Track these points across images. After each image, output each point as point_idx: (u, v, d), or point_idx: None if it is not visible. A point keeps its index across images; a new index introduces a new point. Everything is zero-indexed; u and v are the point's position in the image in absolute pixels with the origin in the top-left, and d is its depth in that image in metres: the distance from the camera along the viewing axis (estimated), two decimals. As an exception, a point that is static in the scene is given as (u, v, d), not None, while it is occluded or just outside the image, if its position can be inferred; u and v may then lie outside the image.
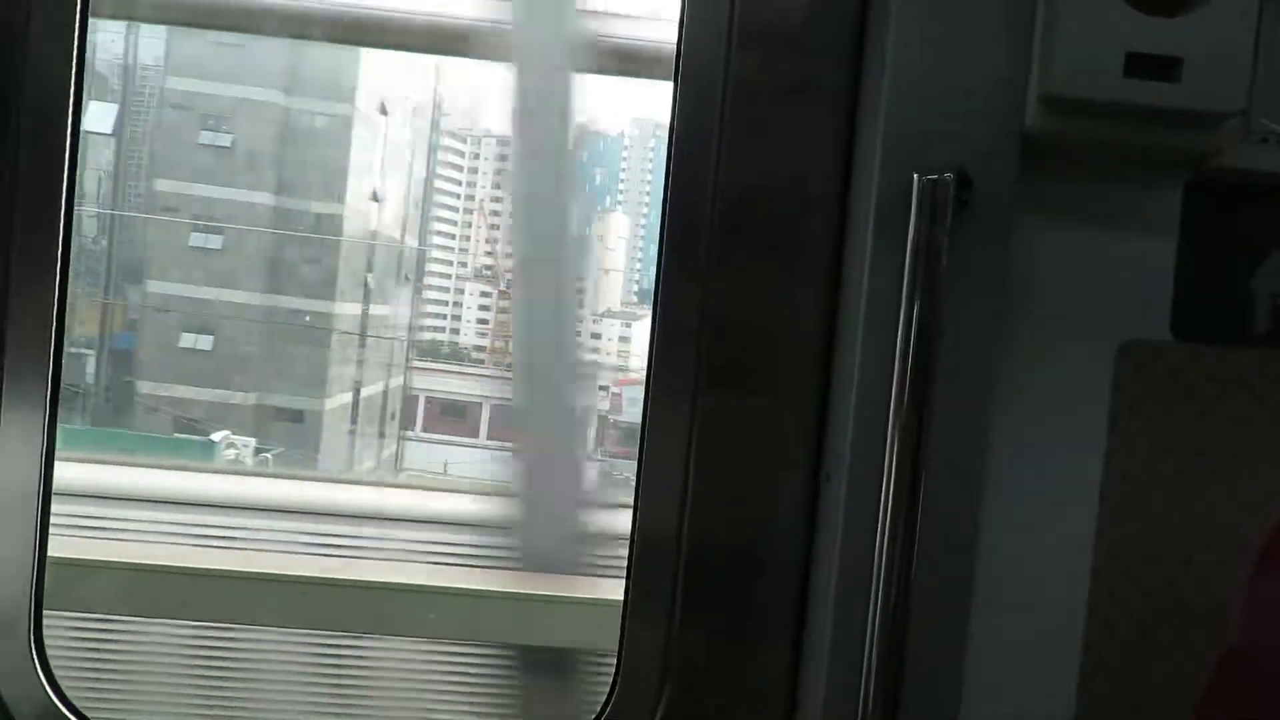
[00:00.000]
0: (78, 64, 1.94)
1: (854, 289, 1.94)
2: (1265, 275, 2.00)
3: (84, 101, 1.96)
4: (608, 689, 2.06)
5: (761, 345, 2.03)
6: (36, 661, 1.97)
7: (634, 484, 2.05)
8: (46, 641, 1.99)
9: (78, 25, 1.93)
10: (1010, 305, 1.91)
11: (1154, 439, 1.96)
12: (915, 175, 1.82)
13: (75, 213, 1.96)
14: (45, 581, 1.99)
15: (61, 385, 1.97)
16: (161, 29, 8.22)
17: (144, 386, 9.41)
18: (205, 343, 9.35)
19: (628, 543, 2.05)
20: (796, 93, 2.01)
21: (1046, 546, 1.96)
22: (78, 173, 1.96)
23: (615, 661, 2.05)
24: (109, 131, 8.89)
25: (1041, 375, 1.94)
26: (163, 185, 9.28)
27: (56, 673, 1.97)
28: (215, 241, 9.31)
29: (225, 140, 9.17)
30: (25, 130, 1.92)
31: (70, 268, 1.97)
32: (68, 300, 1.97)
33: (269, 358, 9.29)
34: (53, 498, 1.95)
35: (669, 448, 2.02)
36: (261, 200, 9.25)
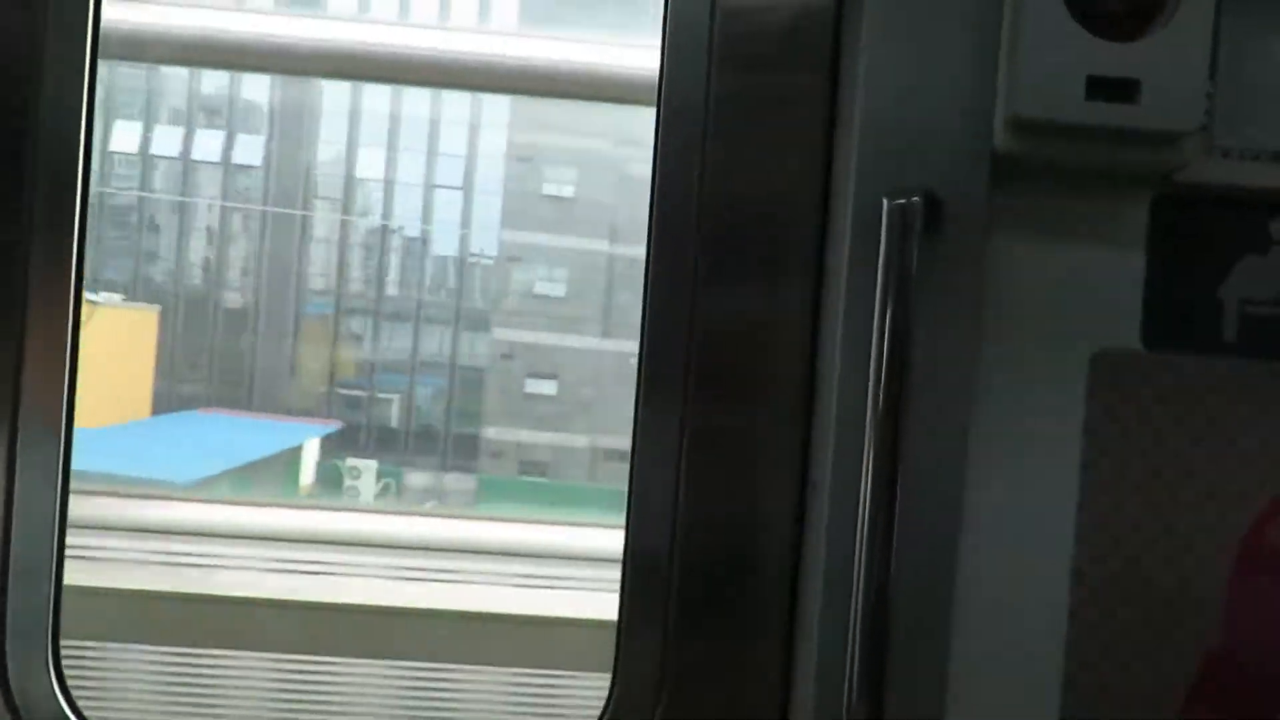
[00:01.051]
0: (88, 105, 2.04)
1: (833, 306, 2.01)
2: (1232, 285, 2.02)
3: (93, 141, 2.05)
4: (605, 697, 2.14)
5: (748, 358, 2.09)
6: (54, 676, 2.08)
7: (626, 494, 2.13)
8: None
9: (88, 68, 2.04)
10: (984, 321, 1.96)
11: (1128, 445, 2.00)
12: (884, 200, 1.87)
13: (86, 261, 2.07)
14: (62, 601, 2.09)
15: (75, 414, 2.06)
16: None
17: (489, 431, 9.92)
18: (549, 387, 9.78)
19: (621, 551, 2.13)
20: (777, 112, 2.08)
21: (1026, 552, 1.99)
22: (88, 212, 2.06)
23: (611, 670, 2.12)
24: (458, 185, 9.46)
25: (1017, 387, 1.99)
26: (509, 235, 9.78)
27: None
28: (559, 289, 9.74)
29: (568, 191, 9.61)
30: (40, 162, 2.02)
31: (83, 305, 2.07)
32: (80, 333, 2.07)
33: (606, 400, 9.61)
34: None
35: (659, 458, 2.09)
36: (598, 248, 9.62)
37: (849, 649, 1.88)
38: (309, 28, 5.00)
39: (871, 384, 1.88)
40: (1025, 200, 1.96)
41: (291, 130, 9.32)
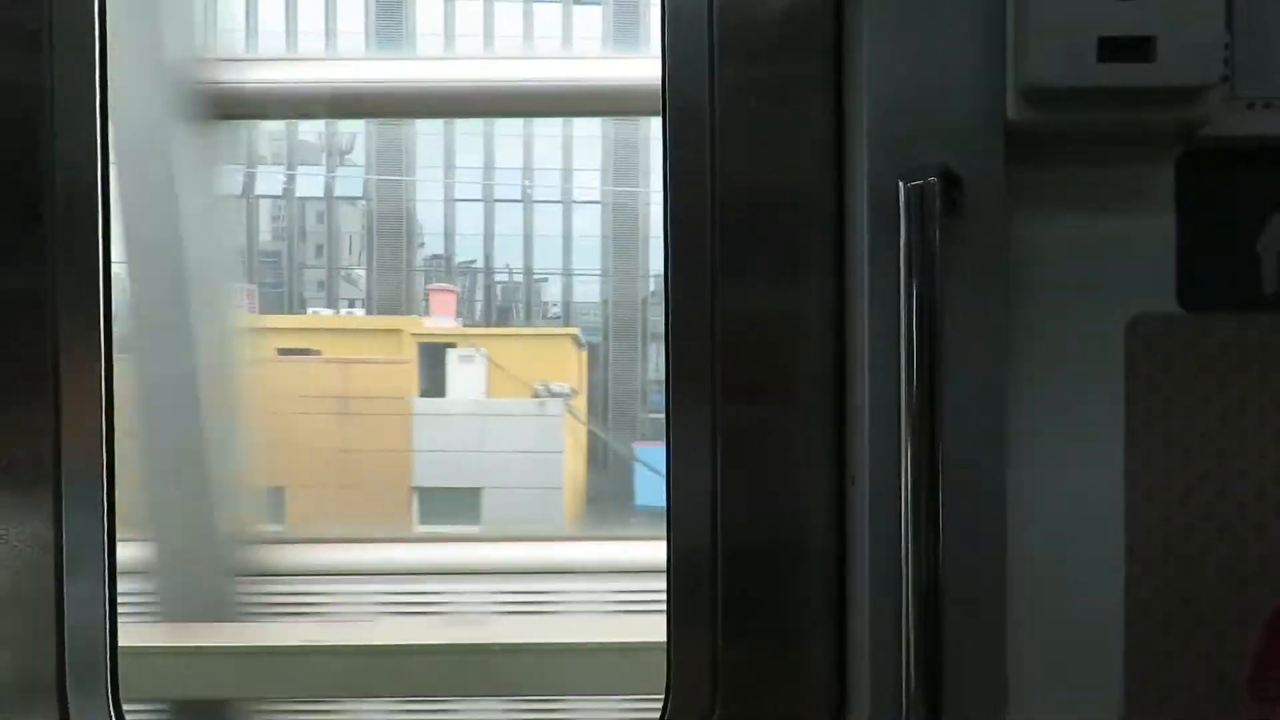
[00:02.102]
0: (102, 151, 2.06)
1: (856, 293, 1.97)
2: (1269, 237, 1.96)
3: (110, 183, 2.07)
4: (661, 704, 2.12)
5: (775, 350, 2.07)
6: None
7: (664, 494, 2.11)
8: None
9: (99, 116, 2.06)
10: (1013, 297, 1.92)
11: (1172, 412, 1.95)
12: (900, 183, 1.84)
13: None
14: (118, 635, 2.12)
15: (115, 449, 2.08)
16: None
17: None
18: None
19: (665, 552, 2.11)
20: (783, 99, 2.05)
21: (1076, 530, 1.95)
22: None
23: (665, 675, 2.10)
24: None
25: (1053, 361, 1.95)
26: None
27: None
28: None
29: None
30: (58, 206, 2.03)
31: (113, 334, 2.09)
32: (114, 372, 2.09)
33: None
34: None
35: (694, 457, 2.07)
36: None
37: (903, 643, 1.85)
38: (401, 70, 5.04)
39: (903, 371, 1.85)
40: (1044, 170, 1.92)
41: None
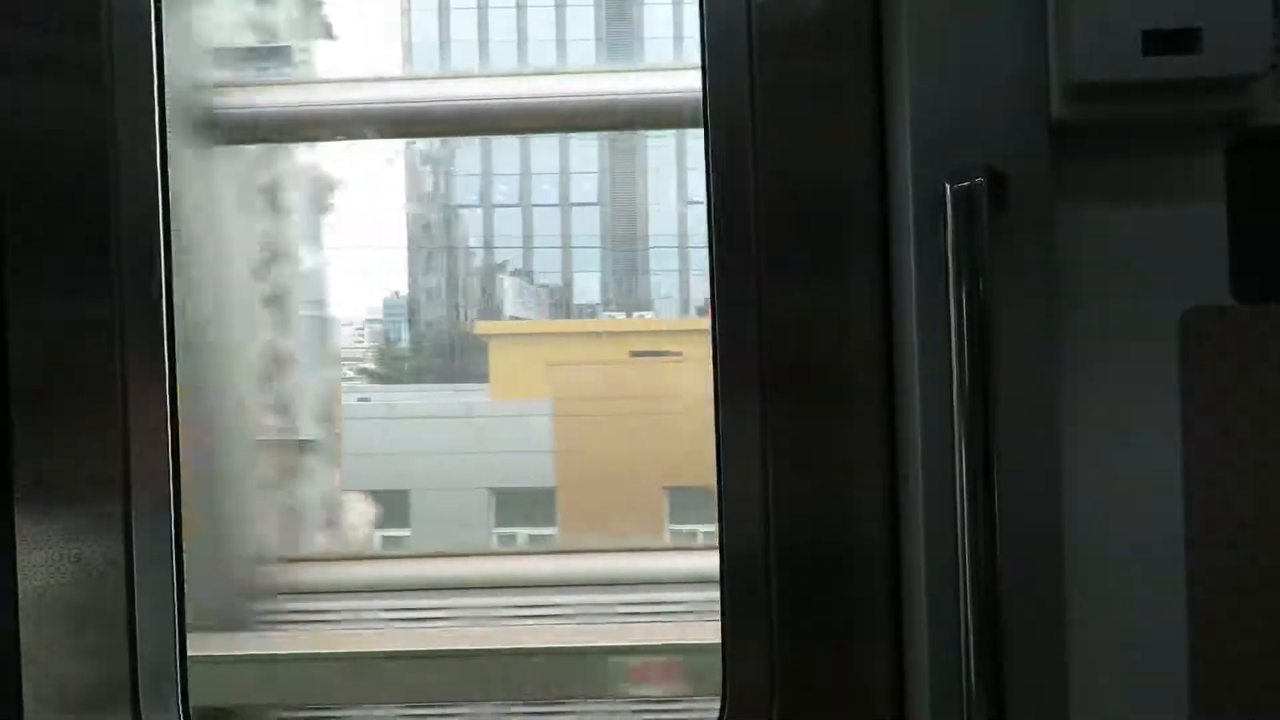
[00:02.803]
0: (163, 186, 2.12)
1: (904, 292, 1.97)
2: None
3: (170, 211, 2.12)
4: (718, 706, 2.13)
5: (822, 350, 2.06)
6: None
7: (716, 495, 2.12)
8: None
9: (159, 151, 2.12)
10: (1063, 294, 1.91)
11: (1229, 405, 1.93)
12: (947, 185, 1.84)
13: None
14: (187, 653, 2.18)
15: (181, 478, 2.14)
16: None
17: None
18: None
19: (718, 554, 2.12)
20: (824, 98, 2.05)
21: (1136, 527, 1.94)
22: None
23: (721, 677, 2.12)
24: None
25: (1106, 358, 1.94)
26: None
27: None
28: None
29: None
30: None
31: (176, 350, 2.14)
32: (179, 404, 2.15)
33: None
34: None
35: (745, 459, 2.07)
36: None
37: (962, 644, 1.84)
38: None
39: (955, 372, 1.84)
40: (1091, 163, 1.91)
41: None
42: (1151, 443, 1.94)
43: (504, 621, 3.41)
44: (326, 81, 4.35)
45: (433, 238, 4.71)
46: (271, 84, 3.47)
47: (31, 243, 2.09)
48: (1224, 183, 1.92)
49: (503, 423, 4.22)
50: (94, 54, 2.08)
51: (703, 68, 2.08)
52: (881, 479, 2.05)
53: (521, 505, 4.26)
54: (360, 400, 4.04)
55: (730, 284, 2.08)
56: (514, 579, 3.55)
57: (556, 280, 5.07)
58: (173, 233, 2.13)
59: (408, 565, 4.00)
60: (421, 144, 4.54)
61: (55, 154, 2.09)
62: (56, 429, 2.10)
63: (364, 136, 3.47)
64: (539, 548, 4.09)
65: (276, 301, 3.47)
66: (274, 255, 3.46)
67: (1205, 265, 1.93)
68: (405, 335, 4.35)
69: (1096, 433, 1.93)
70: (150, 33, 2.11)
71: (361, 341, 4.16)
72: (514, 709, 3.17)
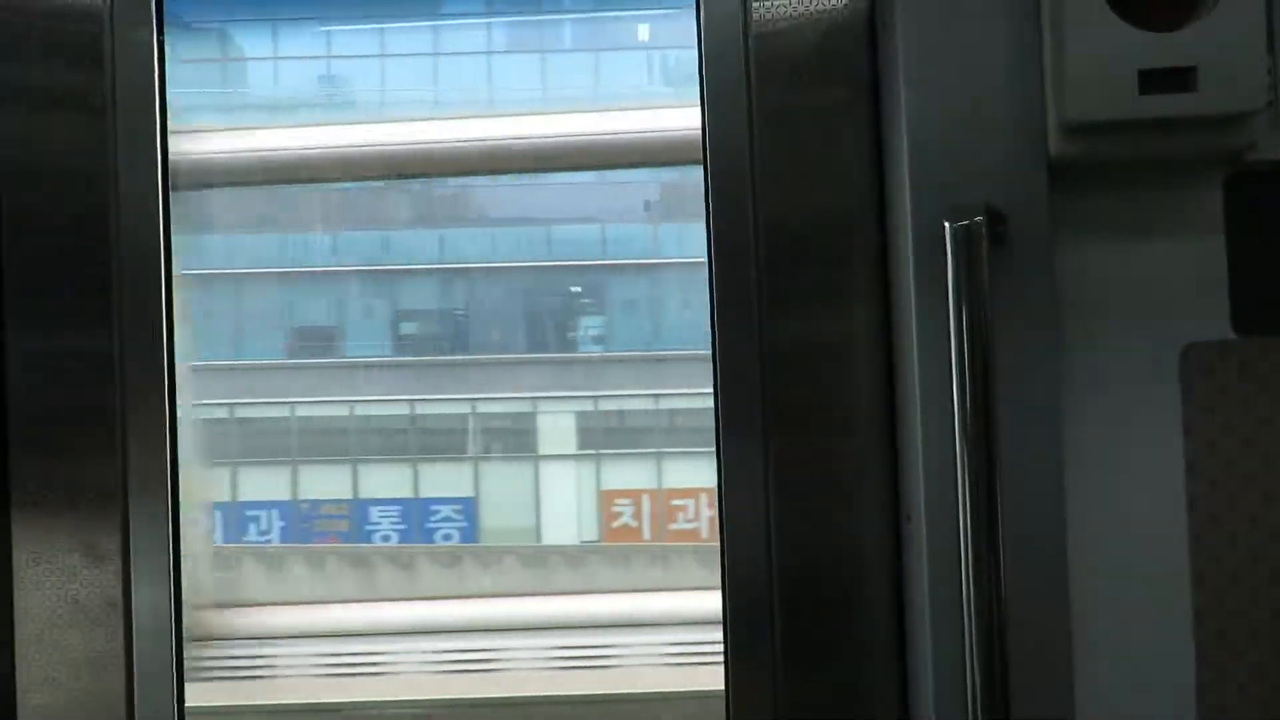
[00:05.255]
0: (164, 219, 2.12)
1: (904, 327, 1.97)
2: None
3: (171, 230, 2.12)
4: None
5: (824, 385, 2.07)
6: None
7: (719, 529, 2.11)
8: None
9: (160, 188, 2.12)
10: (1064, 330, 1.92)
11: (1232, 439, 1.93)
12: (946, 224, 1.84)
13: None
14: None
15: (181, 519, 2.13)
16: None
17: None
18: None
19: (720, 590, 2.11)
20: (823, 132, 2.05)
21: (1141, 561, 1.94)
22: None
23: (724, 706, 2.11)
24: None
25: (1108, 393, 1.94)
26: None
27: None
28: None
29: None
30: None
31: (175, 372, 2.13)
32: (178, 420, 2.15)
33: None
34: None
35: (747, 490, 2.07)
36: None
37: (968, 683, 1.84)
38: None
39: (956, 408, 1.84)
40: (1089, 200, 1.91)
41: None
42: (1155, 476, 1.94)
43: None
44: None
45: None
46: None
47: (32, 272, 2.09)
48: (1223, 217, 1.92)
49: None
50: (97, 87, 2.09)
51: (701, 101, 2.09)
52: (885, 516, 2.04)
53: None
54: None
55: (731, 316, 2.08)
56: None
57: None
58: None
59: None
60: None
61: (57, 185, 2.09)
62: (55, 464, 2.09)
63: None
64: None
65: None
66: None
67: (1205, 299, 1.93)
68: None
69: (1099, 468, 1.93)
70: (153, 66, 2.12)
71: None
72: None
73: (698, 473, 2.72)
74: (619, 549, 3.31)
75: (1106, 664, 1.92)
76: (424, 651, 2.82)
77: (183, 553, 2.14)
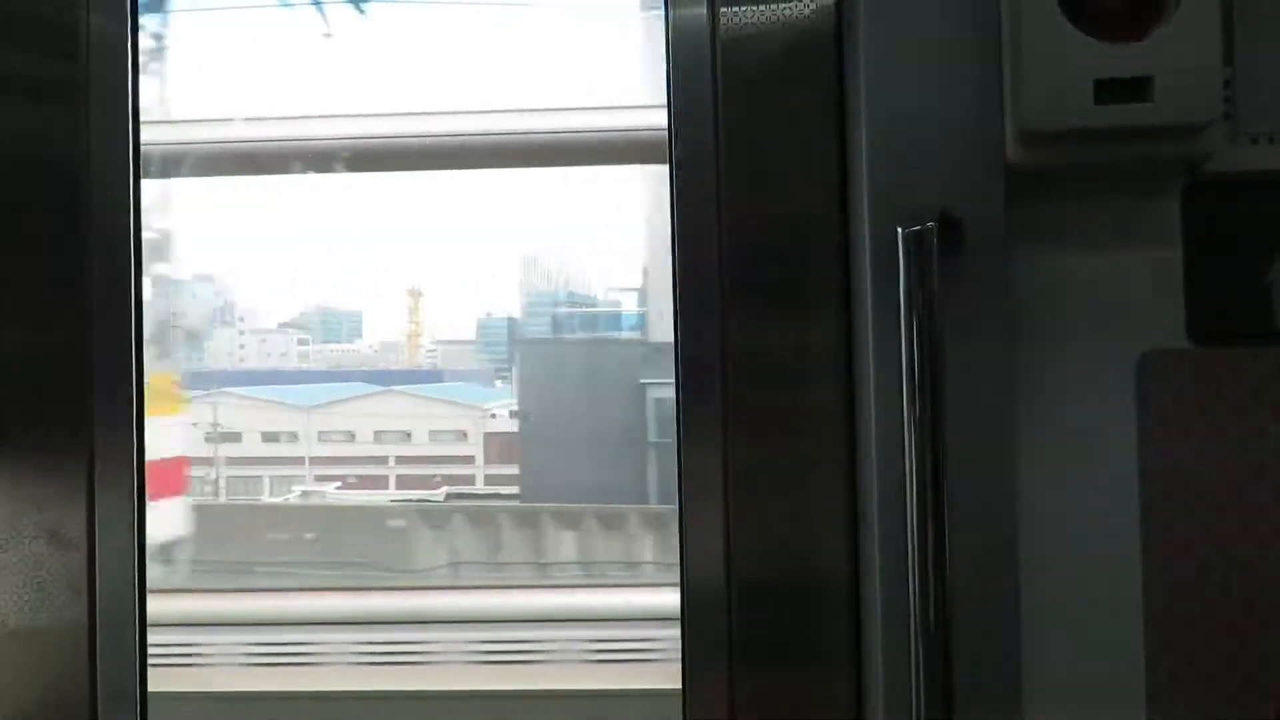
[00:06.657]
0: (135, 218, 2.12)
1: (862, 331, 1.99)
2: (1278, 270, 1.95)
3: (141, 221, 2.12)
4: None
5: (785, 388, 2.08)
6: None
7: (677, 531, 2.13)
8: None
9: (132, 182, 2.13)
10: (1019, 337, 1.93)
11: (1187, 447, 1.95)
12: (899, 229, 1.86)
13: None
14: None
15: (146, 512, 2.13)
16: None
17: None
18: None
19: (678, 589, 2.13)
20: (787, 136, 2.07)
21: (1092, 568, 1.95)
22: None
23: (681, 710, 2.12)
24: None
25: (1063, 401, 1.95)
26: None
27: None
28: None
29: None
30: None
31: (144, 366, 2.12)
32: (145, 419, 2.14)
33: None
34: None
35: (706, 494, 2.09)
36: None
37: (913, 678, 1.86)
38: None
39: (906, 412, 1.86)
40: (1045, 208, 1.92)
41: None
42: (1108, 487, 1.95)
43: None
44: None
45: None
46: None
47: (1, 262, 2.10)
48: (1180, 226, 1.94)
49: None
50: (71, 78, 2.10)
51: (669, 105, 2.10)
52: (842, 515, 2.06)
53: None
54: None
55: (693, 318, 2.10)
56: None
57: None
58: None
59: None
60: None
61: (28, 176, 2.10)
62: (20, 463, 2.10)
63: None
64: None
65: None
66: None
67: (1162, 308, 1.94)
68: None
69: (1053, 474, 1.94)
70: (126, 57, 2.13)
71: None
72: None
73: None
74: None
75: (1055, 668, 1.93)
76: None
77: None
